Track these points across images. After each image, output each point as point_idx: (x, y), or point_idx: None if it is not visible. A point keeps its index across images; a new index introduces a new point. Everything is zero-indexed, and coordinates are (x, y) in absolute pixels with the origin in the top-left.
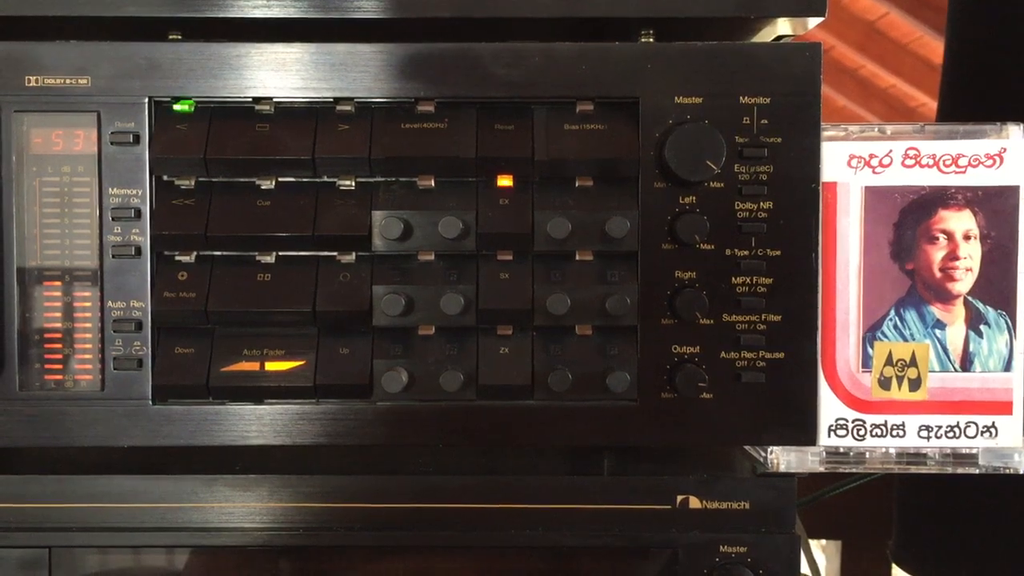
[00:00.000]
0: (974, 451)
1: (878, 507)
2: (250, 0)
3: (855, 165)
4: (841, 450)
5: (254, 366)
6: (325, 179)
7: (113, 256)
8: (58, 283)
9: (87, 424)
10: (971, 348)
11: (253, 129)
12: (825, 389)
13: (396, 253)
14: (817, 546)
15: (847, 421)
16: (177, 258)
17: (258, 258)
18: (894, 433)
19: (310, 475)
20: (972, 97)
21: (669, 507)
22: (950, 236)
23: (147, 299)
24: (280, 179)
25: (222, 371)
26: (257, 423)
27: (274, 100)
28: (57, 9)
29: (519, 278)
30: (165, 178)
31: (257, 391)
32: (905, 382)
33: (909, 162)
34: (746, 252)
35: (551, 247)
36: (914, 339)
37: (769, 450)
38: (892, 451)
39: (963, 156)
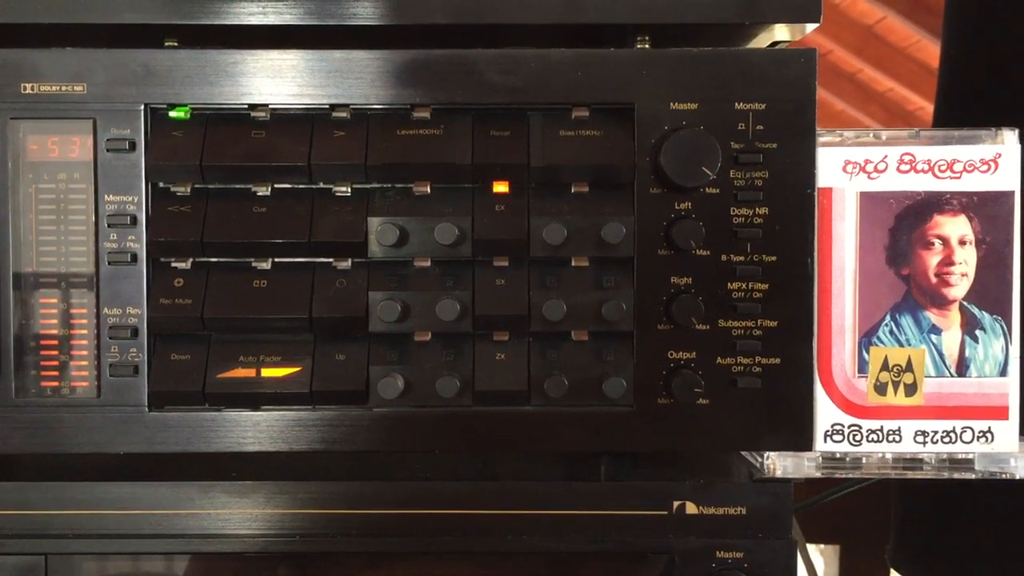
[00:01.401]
0: (970, 456)
1: (876, 512)
2: (246, 7)
3: (850, 171)
4: (837, 455)
5: (250, 372)
6: (321, 185)
7: (109, 263)
8: (54, 290)
9: (83, 431)
10: (967, 353)
11: (249, 136)
12: (821, 394)
13: (392, 259)
14: (815, 551)
15: (843, 426)
16: (173, 265)
17: (254, 264)
18: (890, 438)
19: (306, 481)
20: (968, 102)
21: (666, 512)
22: (945, 241)
23: (143, 306)
24: (276, 185)
25: (218, 377)
26: (253, 429)
27: (270, 107)
28: (53, 16)
29: (515, 284)
30: (161, 185)
31: (253, 397)
32: (901, 387)
33: (904, 167)
34: (742, 257)
35: (547, 253)
36: (910, 344)
37: (765, 455)
38: (888, 456)
39: (958, 161)
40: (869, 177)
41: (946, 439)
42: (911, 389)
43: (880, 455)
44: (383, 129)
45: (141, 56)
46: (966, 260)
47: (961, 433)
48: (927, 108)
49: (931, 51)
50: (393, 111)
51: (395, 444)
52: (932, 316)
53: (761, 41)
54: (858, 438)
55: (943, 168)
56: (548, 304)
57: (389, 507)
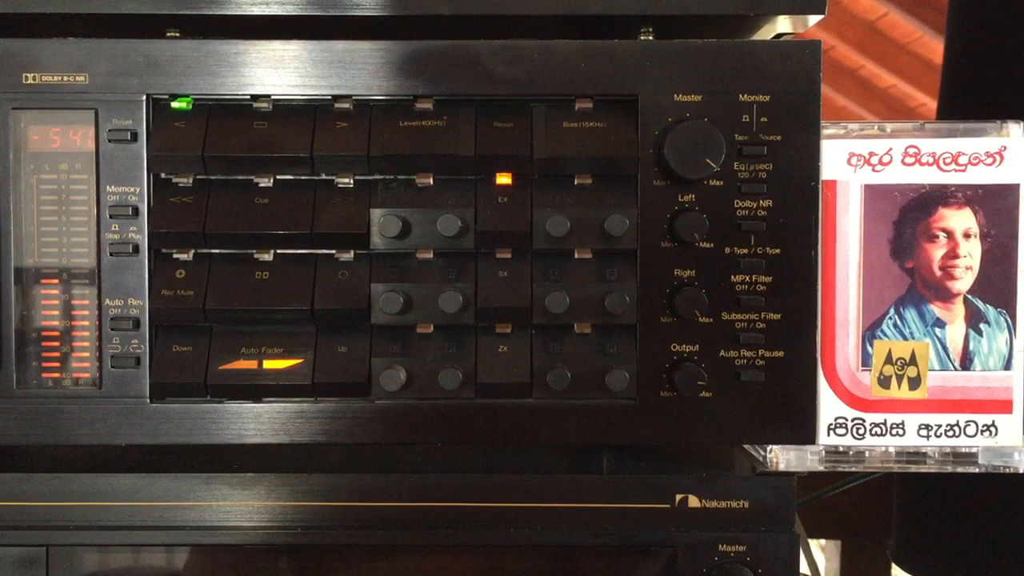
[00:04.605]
0: (974, 450)
1: (878, 506)
2: None
3: (855, 163)
4: (840, 449)
5: (252, 364)
6: (323, 177)
7: (111, 254)
8: (56, 281)
9: (85, 422)
10: (971, 347)
11: (251, 126)
12: (824, 388)
13: (395, 251)
14: (816, 546)
15: (846, 420)
16: (175, 256)
17: (256, 256)
18: (894, 432)
19: (308, 474)
20: (972, 96)
21: (668, 506)
22: (950, 234)
23: (145, 297)
24: (278, 177)
25: (220, 369)
26: (255, 421)
27: (272, 97)
28: (55, 6)
29: (518, 276)
30: (163, 176)
31: (255, 389)
32: (905, 381)
33: (909, 160)
34: (745, 250)
35: (550, 245)
36: (914, 337)
37: (768, 449)
38: (892, 450)
39: (963, 154)
40: (874, 170)
41: (950, 433)
42: (915, 383)
43: (883, 449)
44: (386, 120)
45: (143, 46)
46: (970, 253)
47: (965, 427)
48: (929, 104)
49: (933, 47)
50: (396, 102)
51: (397, 436)
52: (936, 309)
53: (765, 34)
54: (861, 431)
55: (948, 161)
56: (551, 296)
57: (391, 500)
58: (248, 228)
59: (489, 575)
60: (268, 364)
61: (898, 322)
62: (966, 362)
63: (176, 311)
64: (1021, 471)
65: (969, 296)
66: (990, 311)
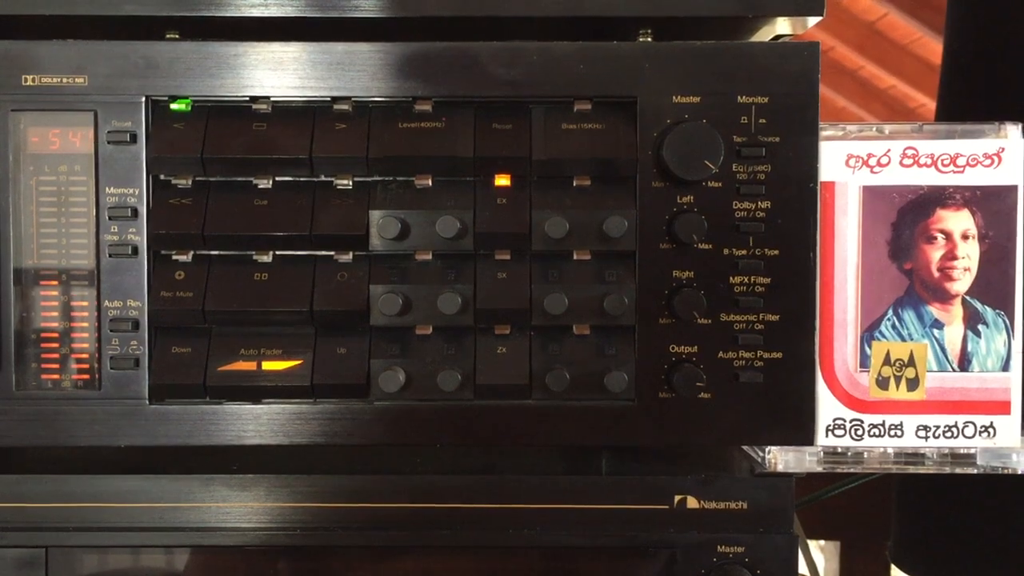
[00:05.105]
0: (972, 451)
1: (877, 507)
2: None
3: (853, 164)
4: (839, 450)
5: (251, 365)
6: (322, 178)
7: (110, 255)
8: (55, 282)
9: (84, 424)
10: (969, 348)
11: (250, 128)
12: (823, 389)
13: (394, 252)
14: (815, 547)
15: (845, 421)
16: (174, 257)
17: (255, 257)
18: (892, 433)
19: (307, 475)
20: (971, 97)
21: (667, 507)
22: (948, 236)
23: (144, 298)
24: (277, 178)
25: (219, 370)
26: (254, 423)
27: (271, 99)
28: (54, 8)
29: (517, 277)
30: (162, 177)
31: (254, 391)
32: (903, 382)
33: (907, 162)
34: (744, 252)
35: (549, 246)
36: (912, 339)
37: (767, 450)
38: (890, 451)
39: (961, 156)
40: (872, 171)
41: (948, 434)
42: (913, 384)
43: (882, 450)
44: (385, 122)
45: (142, 48)
46: (969, 255)
47: (963, 428)
48: (929, 105)
49: (933, 48)
50: (395, 104)
51: (396, 438)
52: (934, 311)
53: (764, 35)
54: (860, 432)
55: (946, 162)
56: (550, 298)
57: (390, 501)
58: (247, 230)
59: None
60: (267, 365)
61: (896, 323)
62: (964, 363)
63: (175, 312)
64: (1019, 472)
65: (967, 297)
66: (988, 312)
